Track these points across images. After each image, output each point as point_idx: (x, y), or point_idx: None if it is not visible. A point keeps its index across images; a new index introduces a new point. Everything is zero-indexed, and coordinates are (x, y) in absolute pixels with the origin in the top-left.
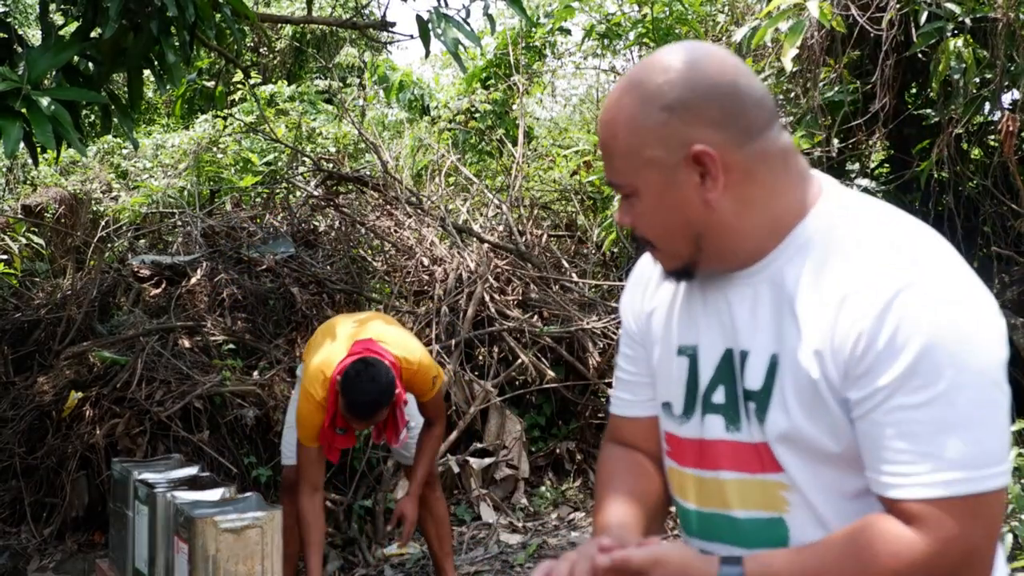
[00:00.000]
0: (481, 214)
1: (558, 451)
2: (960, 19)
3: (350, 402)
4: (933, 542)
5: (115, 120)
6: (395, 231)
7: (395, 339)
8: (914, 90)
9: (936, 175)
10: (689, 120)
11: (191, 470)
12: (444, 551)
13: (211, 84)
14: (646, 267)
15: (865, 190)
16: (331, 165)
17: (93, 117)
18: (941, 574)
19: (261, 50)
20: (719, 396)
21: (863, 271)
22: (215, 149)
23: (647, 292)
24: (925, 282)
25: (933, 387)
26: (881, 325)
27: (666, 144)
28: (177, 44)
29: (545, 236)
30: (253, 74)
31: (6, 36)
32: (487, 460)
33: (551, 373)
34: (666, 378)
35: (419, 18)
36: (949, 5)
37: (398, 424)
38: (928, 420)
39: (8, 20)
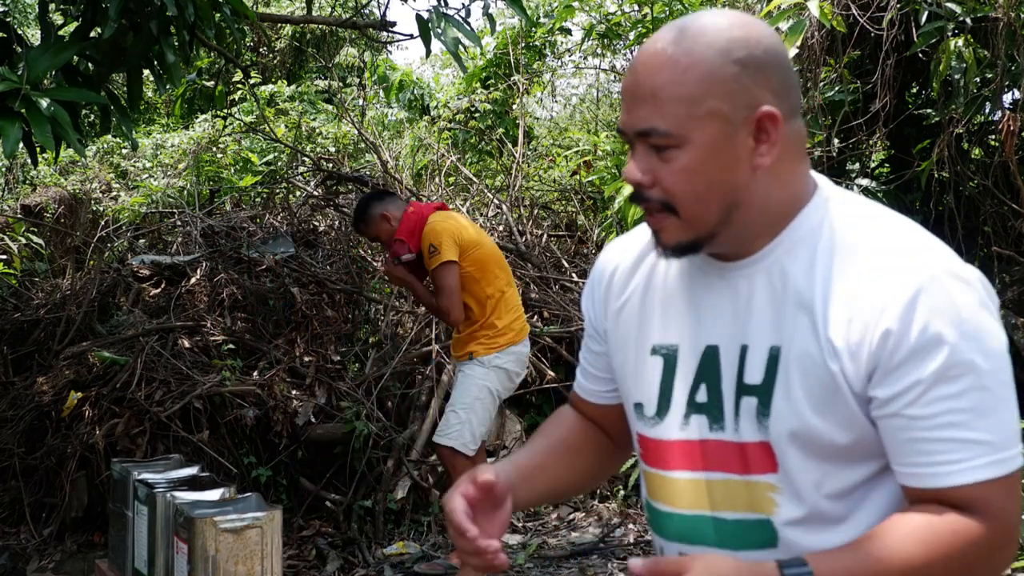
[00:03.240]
0: (481, 214)
1: None
2: (961, 19)
3: None
4: (990, 522)
5: (114, 120)
6: None
7: (445, 215)
8: (914, 90)
9: (936, 175)
10: (758, 81)
11: (191, 470)
12: None
13: (211, 84)
14: (609, 263)
15: (865, 190)
16: (331, 165)
17: (93, 117)
18: (991, 552)
19: (261, 50)
20: (702, 395)
21: (876, 268)
22: (215, 149)
23: (612, 289)
24: (942, 276)
25: (969, 375)
26: (910, 321)
27: (732, 99)
28: (177, 44)
29: (545, 236)
30: (253, 74)
31: (5, 36)
32: (487, 460)
33: (551, 373)
34: (636, 378)
35: (419, 18)
36: (950, 5)
37: (398, 249)
38: (968, 407)
39: (8, 20)
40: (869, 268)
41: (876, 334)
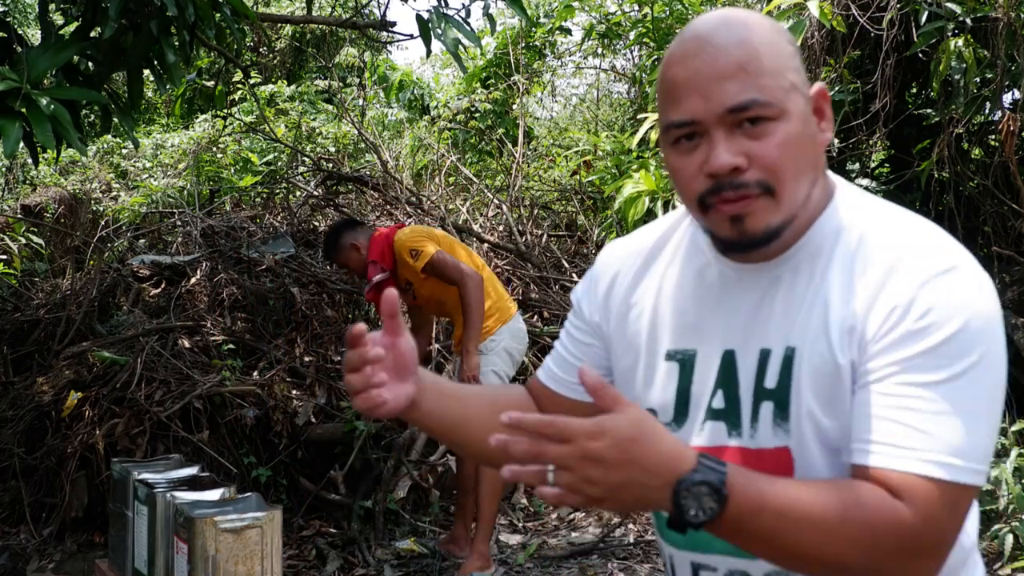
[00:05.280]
0: (481, 214)
1: None
2: (961, 19)
3: None
4: (915, 516)
5: (115, 120)
6: None
7: (409, 228)
8: (914, 90)
9: (936, 175)
10: (801, 63)
11: (191, 470)
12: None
13: (211, 84)
14: (612, 264)
15: (865, 190)
16: (331, 165)
17: (93, 117)
18: (909, 552)
19: (261, 50)
20: (719, 401)
21: (893, 265)
22: (215, 149)
23: (616, 290)
24: (961, 271)
25: (951, 369)
26: (916, 299)
27: (799, 75)
28: (177, 44)
29: (545, 236)
30: (253, 74)
31: (6, 36)
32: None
33: None
34: (647, 384)
35: (419, 18)
36: (950, 5)
37: (372, 271)
38: (937, 399)
39: (8, 20)
40: (887, 265)
41: (886, 310)
